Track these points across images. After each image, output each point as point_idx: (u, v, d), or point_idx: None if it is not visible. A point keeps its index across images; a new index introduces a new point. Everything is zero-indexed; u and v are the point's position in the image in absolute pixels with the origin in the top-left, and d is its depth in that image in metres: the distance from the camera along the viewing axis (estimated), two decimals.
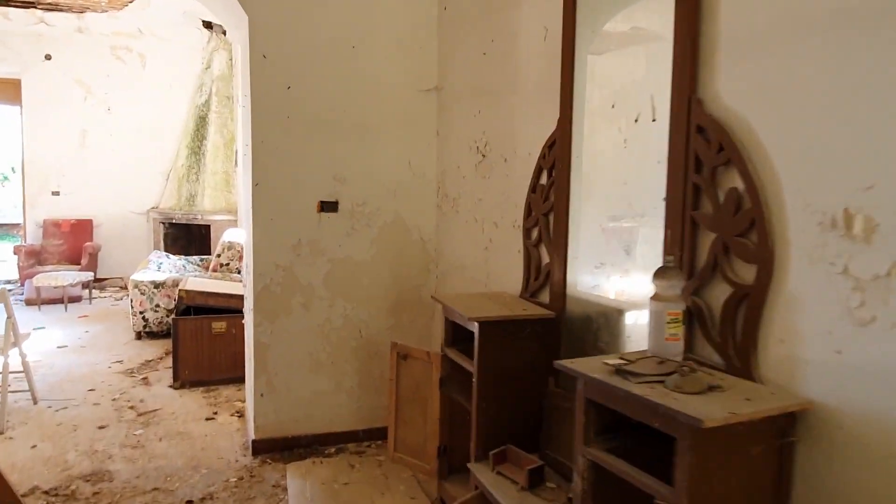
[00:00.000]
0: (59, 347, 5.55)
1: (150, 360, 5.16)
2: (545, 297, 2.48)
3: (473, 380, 2.31)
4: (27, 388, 4.15)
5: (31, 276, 7.68)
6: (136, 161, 8.92)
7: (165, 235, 8.76)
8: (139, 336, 5.81)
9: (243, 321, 4.06)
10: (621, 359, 1.68)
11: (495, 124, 2.93)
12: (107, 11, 8.30)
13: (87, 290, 7.64)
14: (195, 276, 5.75)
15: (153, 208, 8.90)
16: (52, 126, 8.61)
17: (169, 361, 5.00)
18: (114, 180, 8.86)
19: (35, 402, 4.15)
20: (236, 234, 6.22)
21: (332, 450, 3.51)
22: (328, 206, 3.46)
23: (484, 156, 3.02)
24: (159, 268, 6.58)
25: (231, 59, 8.77)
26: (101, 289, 8.40)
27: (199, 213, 8.34)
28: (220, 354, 4.56)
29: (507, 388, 2.34)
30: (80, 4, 7.99)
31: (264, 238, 3.37)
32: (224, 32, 8.83)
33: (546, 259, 2.48)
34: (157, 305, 5.71)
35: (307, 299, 3.46)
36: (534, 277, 2.55)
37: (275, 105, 3.33)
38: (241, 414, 4.04)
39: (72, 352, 5.43)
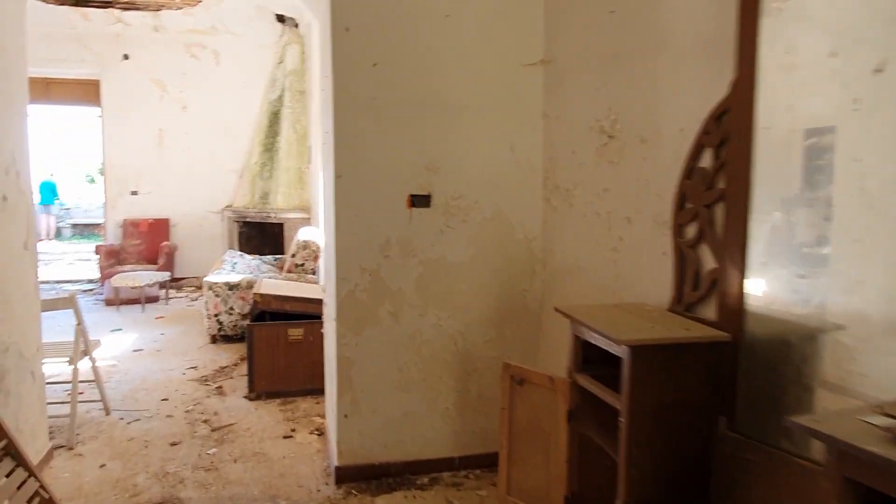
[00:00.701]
0: (134, 351, 5.37)
1: (225, 367, 4.88)
2: (708, 312, 1.94)
3: (621, 419, 1.80)
4: (99, 397, 3.91)
5: (110, 276, 7.66)
6: (211, 159, 8.81)
7: (240, 234, 8.60)
8: (214, 340, 5.57)
9: (322, 330, 3.68)
10: (889, 415, 1.13)
11: (628, 97, 2.39)
12: (181, 8, 8.20)
13: (163, 291, 7.54)
14: (269, 278, 5.45)
15: (227, 207, 8.76)
16: (131, 126, 8.60)
17: (244, 368, 4.70)
18: (189, 179, 8.78)
19: (107, 413, 3.90)
20: (311, 233, 5.90)
21: (426, 480, 3.06)
22: (420, 201, 3.01)
23: (611, 137, 2.49)
24: (233, 268, 6.35)
25: (304, 53, 8.52)
26: (178, 289, 8.32)
27: (273, 212, 8.13)
28: (297, 363, 4.20)
29: (664, 430, 1.82)
30: (156, 2, 7.90)
31: (348, 238, 2.96)
32: (296, 25, 8.60)
33: (710, 264, 1.93)
34: (232, 308, 5.44)
35: (396, 307, 3.02)
36: (690, 287, 2.01)
37: (359, 85, 2.90)
38: (321, 432, 3.66)
39: (147, 356, 5.23)
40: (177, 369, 4.85)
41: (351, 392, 3.01)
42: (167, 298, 7.48)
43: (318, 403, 4.09)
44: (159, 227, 8.58)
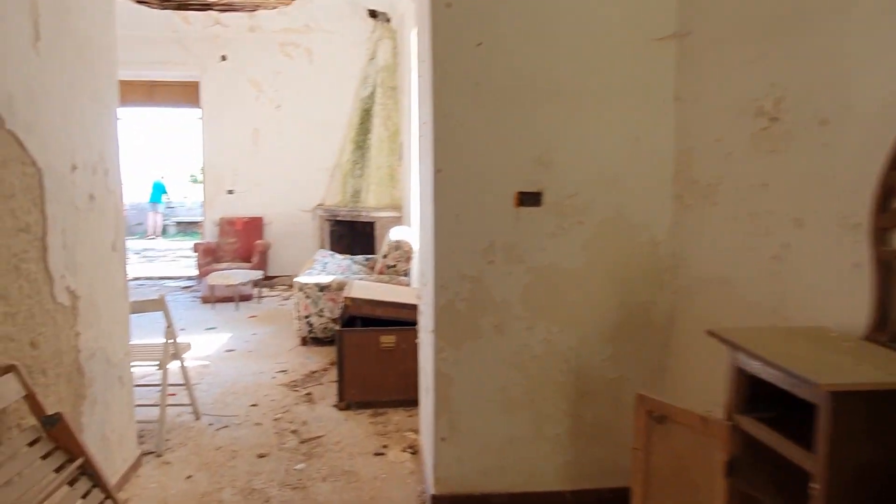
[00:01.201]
0: (227, 351, 5.31)
1: (315, 372, 4.71)
2: None
3: (814, 485, 1.36)
4: (190, 401, 3.81)
5: (207, 274, 7.77)
6: (304, 157, 8.81)
7: (331, 233, 8.54)
8: (304, 342, 5.44)
9: (417, 340, 3.39)
10: None
11: (800, 70, 1.92)
12: (276, 7, 8.22)
13: (256, 289, 7.57)
14: (360, 279, 5.25)
15: (319, 205, 8.72)
16: (227, 126, 8.73)
17: (333, 374, 4.50)
18: (282, 178, 8.81)
19: (197, 418, 3.79)
20: (403, 233, 5.66)
21: None
22: (529, 199, 2.64)
23: (773, 119, 2.02)
24: (324, 268, 6.23)
25: (395, 49, 8.34)
26: (271, 287, 8.36)
27: (364, 210, 7.99)
28: (388, 372, 3.94)
29: (871, 501, 1.37)
30: (252, 2, 7.95)
31: (448, 240, 2.63)
32: (388, 20, 8.43)
33: None
34: (322, 311, 5.28)
35: (501, 319, 2.67)
36: None
37: (462, 68, 2.57)
38: (414, 450, 3.37)
39: (238, 357, 5.16)
40: (267, 372, 4.72)
41: (449, 413, 2.69)
42: (260, 297, 7.50)
43: (410, 416, 3.81)
44: (253, 226, 8.66)
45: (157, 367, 3.38)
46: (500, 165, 2.62)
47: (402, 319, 3.98)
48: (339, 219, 8.29)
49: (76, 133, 2.57)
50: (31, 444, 2.03)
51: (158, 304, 3.34)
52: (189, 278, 9.11)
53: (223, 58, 8.67)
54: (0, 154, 2.02)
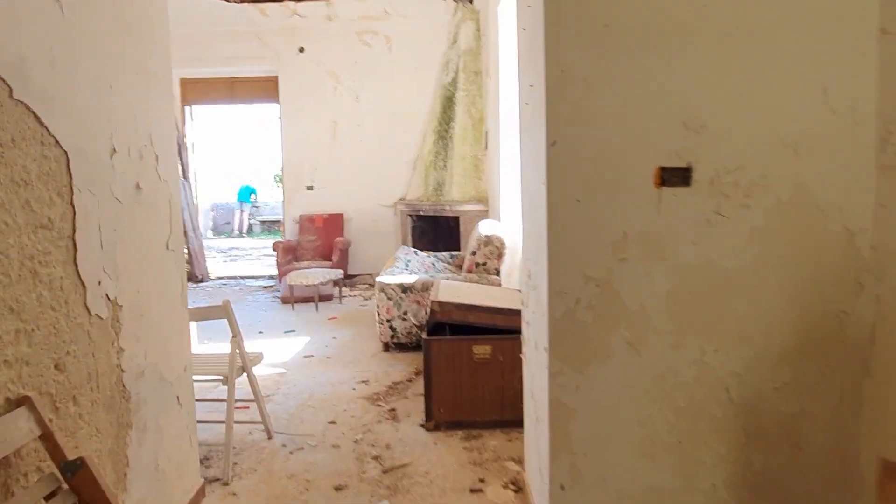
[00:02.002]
0: (305, 357, 4.93)
1: (398, 383, 4.22)
2: None
3: None
4: (261, 418, 3.39)
5: (287, 273, 7.50)
6: (384, 150, 8.41)
7: (413, 229, 8.09)
8: (386, 347, 4.98)
9: (520, 353, 2.81)
10: None
11: None
12: None
13: (337, 289, 7.22)
14: (447, 279, 4.72)
15: (400, 200, 8.30)
16: (306, 120, 8.45)
17: (419, 385, 4.01)
18: (362, 172, 8.45)
19: (269, 437, 3.37)
20: (493, 227, 5.09)
21: None
22: (674, 176, 2.00)
23: None
24: (407, 266, 5.76)
25: (479, 30, 7.77)
26: (352, 286, 8.01)
27: (447, 204, 7.48)
28: (482, 388, 3.39)
29: None
30: None
31: (567, 232, 2.04)
32: (471, 0, 7.87)
33: None
34: (405, 313, 4.80)
35: (637, 334, 2.05)
36: None
37: (583, 7, 1.97)
38: (517, 487, 2.79)
39: (317, 364, 4.75)
40: (346, 382, 4.28)
41: (570, 454, 2.10)
42: (340, 297, 7.13)
43: (510, 441, 3.24)
44: (334, 223, 8.35)
45: (223, 383, 2.97)
46: (635, 133, 2.00)
47: (498, 326, 3.41)
48: (421, 213, 7.82)
49: (117, 110, 2.15)
50: (49, 497, 1.60)
51: (222, 311, 2.93)
52: (270, 277, 8.93)
53: (301, 50, 8.39)
54: (7, 130, 1.60)
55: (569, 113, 2.01)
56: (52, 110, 1.77)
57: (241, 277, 9.04)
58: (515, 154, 2.92)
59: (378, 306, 4.86)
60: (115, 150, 2.13)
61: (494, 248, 4.81)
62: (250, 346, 5.28)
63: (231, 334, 2.99)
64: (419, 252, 6.09)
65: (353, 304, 7.04)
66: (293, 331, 5.79)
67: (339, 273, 6.95)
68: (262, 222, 18.03)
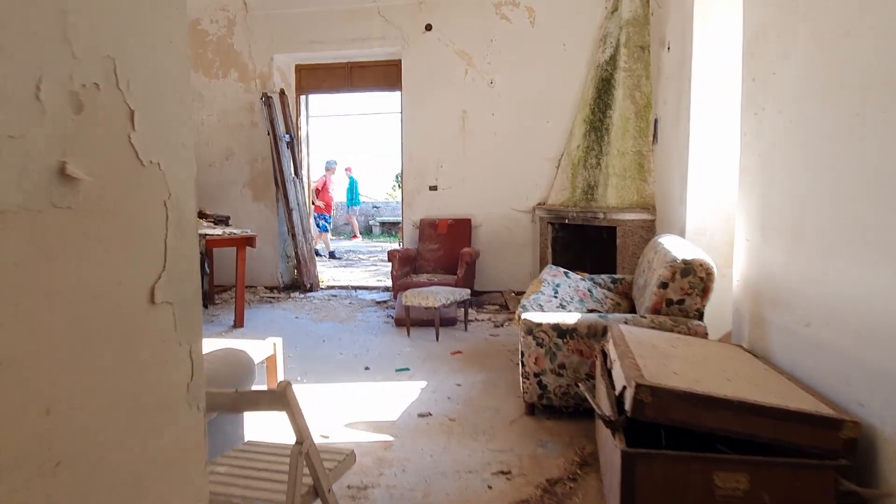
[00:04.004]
0: (420, 416, 3.64)
1: (555, 482, 2.80)
2: None
3: None
4: None
5: (404, 288, 6.33)
6: (522, 144, 7.03)
7: (554, 240, 6.65)
8: (532, 410, 3.59)
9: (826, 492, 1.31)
10: None
11: None
12: None
13: (462, 310, 5.93)
14: (626, 324, 3.25)
15: (539, 204, 6.88)
16: (431, 108, 7.26)
17: (589, 488, 2.59)
18: (495, 170, 7.12)
19: None
20: (686, 248, 3.54)
21: None
22: None
23: None
24: (556, 292, 4.34)
25: None
26: (479, 306, 6.70)
27: (601, 211, 5.97)
28: None
29: None
30: None
31: None
32: None
33: None
34: (562, 367, 3.38)
35: None
36: None
37: None
38: None
39: (437, 428, 3.45)
40: (478, 471, 2.93)
41: None
42: (466, 322, 5.82)
43: None
44: (459, 229, 7.08)
45: None
46: None
47: (760, 439, 1.90)
48: (566, 221, 6.35)
49: None
50: None
51: (276, 399, 1.64)
52: (385, 289, 7.83)
53: (427, 27, 7.21)
54: None
55: None
56: None
57: (354, 288, 8.02)
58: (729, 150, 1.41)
59: (523, 354, 3.48)
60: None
61: (698, 279, 3.27)
62: (351, 392, 4.10)
63: (294, 433, 1.71)
64: (571, 274, 4.65)
65: (481, 332, 5.71)
66: (407, 369, 4.55)
67: (465, 293, 5.65)
68: (382, 224, 17.28)
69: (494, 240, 7.15)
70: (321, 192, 11.73)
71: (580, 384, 2.86)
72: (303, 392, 3.98)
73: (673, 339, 2.83)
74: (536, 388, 3.46)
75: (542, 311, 4.11)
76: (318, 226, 11.20)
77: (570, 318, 3.41)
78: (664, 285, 3.33)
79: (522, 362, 3.49)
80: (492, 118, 7.10)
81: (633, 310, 4.30)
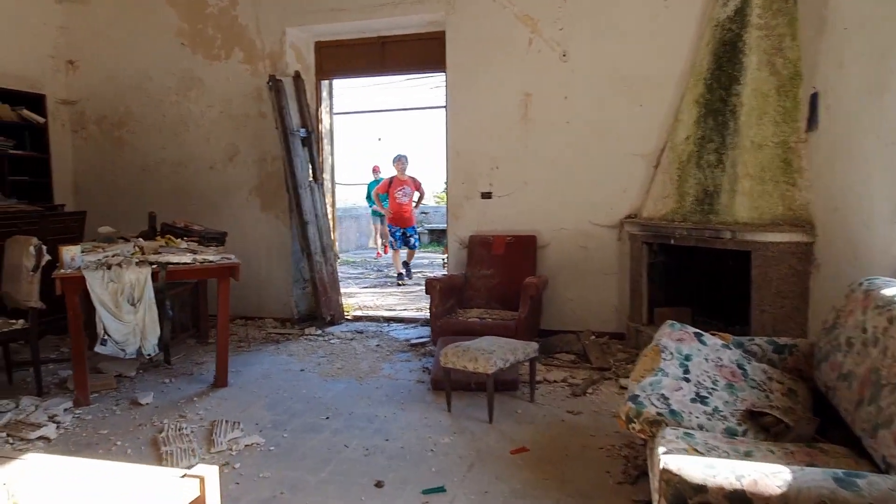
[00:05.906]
0: None
1: None
2: None
3: None
4: None
5: (446, 331, 4.70)
6: (604, 136, 5.26)
7: (652, 266, 4.86)
8: None
9: None
10: None
11: None
12: None
13: (527, 367, 4.21)
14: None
15: (630, 217, 5.09)
16: (484, 92, 5.57)
17: None
18: (568, 172, 5.37)
19: None
20: None
21: None
22: None
23: None
24: (685, 372, 2.62)
25: None
26: (547, 353, 4.93)
27: (726, 228, 4.15)
28: None
29: None
30: None
31: None
32: None
33: None
34: None
35: None
36: None
37: None
38: None
39: None
40: None
41: None
42: (532, 385, 4.08)
43: None
44: (521, 249, 5.36)
45: None
46: None
47: None
48: (670, 242, 4.55)
49: None
50: None
51: None
52: (426, 322, 6.16)
53: None
54: None
55: None
56: None
57: (387, 320, 6.40)
58: None
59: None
60: None
61: None
62: None
63: None
64: (705, 337, 2.88)
65: (554, 404, 3.96)
66: (441, 489, 2.86)
67: (531, 350, 3.93)
68: (430, 231, 15.69)
69: (567, 264, 5.39)
70: (390, 196, 9.03)
71: None
72: None
73: None
74: None
75: (670, 407, 2.41)
76: (390, 243, 9.27)
77: (768, 475, 1.64)
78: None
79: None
80: (564, 103, 5.35)
81: (820, 401, 2.50)
